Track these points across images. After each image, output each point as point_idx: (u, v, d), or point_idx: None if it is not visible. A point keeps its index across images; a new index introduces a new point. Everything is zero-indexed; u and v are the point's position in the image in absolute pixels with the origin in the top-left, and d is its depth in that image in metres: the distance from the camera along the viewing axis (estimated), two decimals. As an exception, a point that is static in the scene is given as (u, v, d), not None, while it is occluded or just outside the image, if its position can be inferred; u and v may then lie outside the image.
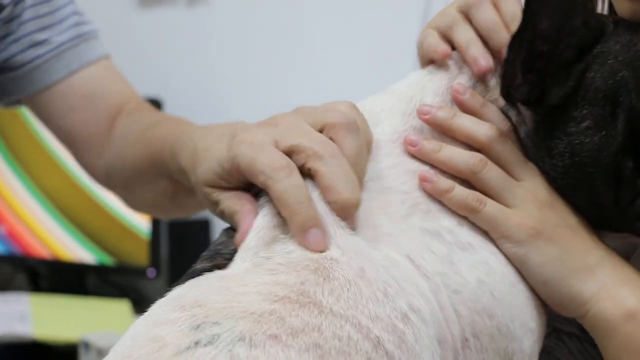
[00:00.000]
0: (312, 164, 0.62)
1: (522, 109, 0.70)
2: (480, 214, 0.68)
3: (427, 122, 0.69)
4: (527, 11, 0.66)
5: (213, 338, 0.56)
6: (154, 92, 1.94)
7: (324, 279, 0.61)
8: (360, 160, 0.64)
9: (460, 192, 0.68)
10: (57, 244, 1.99)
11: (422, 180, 0.68)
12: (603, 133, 0.66)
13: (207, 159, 0.68)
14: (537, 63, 0.67)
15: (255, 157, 0.62)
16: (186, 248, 1.85)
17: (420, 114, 0.69)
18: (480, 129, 0.69)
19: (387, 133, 0.70)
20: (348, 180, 0.62)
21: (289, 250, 0.63)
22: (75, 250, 1.97)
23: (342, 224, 0.63)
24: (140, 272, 1.93)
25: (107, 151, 1.02)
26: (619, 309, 0.67)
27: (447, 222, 0.67)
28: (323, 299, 0.59)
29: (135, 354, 0.56)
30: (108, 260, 1.94)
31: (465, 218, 0.68)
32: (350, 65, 1.86)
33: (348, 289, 0.61)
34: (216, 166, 0.65)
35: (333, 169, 0.62)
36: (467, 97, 0.70)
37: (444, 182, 0.68)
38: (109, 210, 1.95)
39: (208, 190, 0.67)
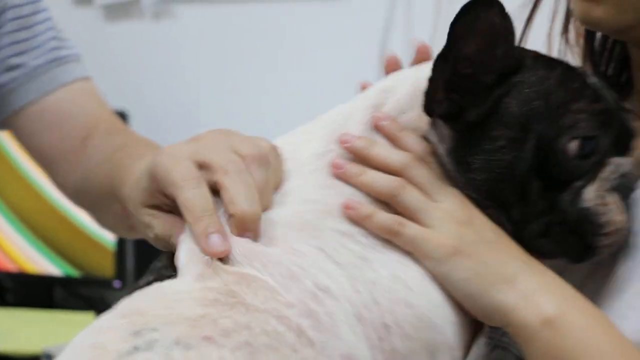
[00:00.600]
0: (218, 178, 0.65)
1: (443, 128, 0.73)
2: (402, 237, 0.70)
3: (347, 150, 0.71)
4: (452, 35, 0.69)
5: (151, 343, 0.57)
6: (119, 105, 1.91)
7: (241, 278, 0.63)
8: (265, 191, 0.67)
9: (382, 216, 0.70)
10: (23, 257, 1.98)
11: (345, 208, 0.70)
12: (514, 154, 0.70)
13: (132, 173, 0.71)
14: (460, 83, 0.70)
15: (170, 168, 0.66)
16: (152, 259, 1.81)
17: (342, 142, 0.72)
18: (395, 156, 0.72)
19: (310, 156, 0.73)
20: (248, 194, 0.64)
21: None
22: (41, 263, 1.97)
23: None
24: (106, 284, 1.92)
25: (77, 170, 1.04)
26: (538, 316, 0.68)
27: (354, 227, 0.70)
28: (246, 297, 0.61)
29: None
30: (74, 272, 1.94)
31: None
32: (317, 81, 1.87)
33: (261, 283, 0.62)
34: (139, 179, 0.68)
35: (236, 183, 0.64)
36: (386, 123, 0.73)
37: (366, 208, 0.70)
38: (74, 223, 1.94)
39: (142, 211, 0.69)
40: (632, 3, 0.74)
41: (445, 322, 0.70)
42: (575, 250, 0.73)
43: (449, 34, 0.69)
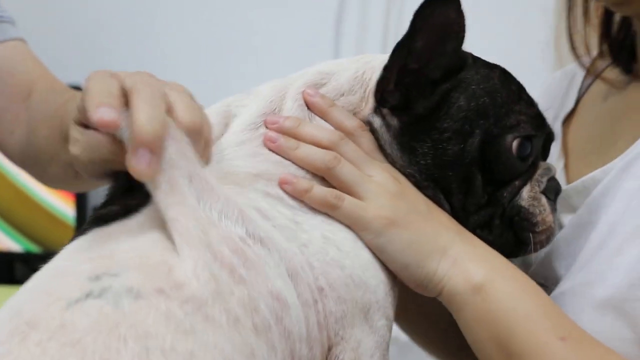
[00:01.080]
0: (131, 97, 0.60)
1: (389, 117, 0.75)
2: (339, 210, 0.71)
3: (276, 130, 0.73)
4: (411, 25, 0.71)
5: (104, 290, 0.57)
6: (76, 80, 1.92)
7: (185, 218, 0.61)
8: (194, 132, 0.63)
9: (319, 190, 0.71)
10: None
11: (282, 183, 0.71)
12: (460, 146, 0.73)
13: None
14: (407, 78, 0.73)
15: (92, 82, 0.62)
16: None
17: (269, 124, 0.73)
18: (324, 134, 0.73)
19: (241, 127, 0.73)
20: (155, 113, 0.59)
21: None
22: (1, 239, 1.97)
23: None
24: (66, 258, 1.92)
25: (20, 128, 1.02)
26: (468, 283, 0.70)
27: (270, 158, 0.72)
28: (183, 249, 0.60)
29: (27, 307, 0.57)
30: (34, 248, 1.94)
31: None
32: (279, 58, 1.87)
33: (194, 222, 0.61)
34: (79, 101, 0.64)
35: (145, 103, 0.60)
36: (317, 99, 0.74)
37: (303, 183, 0.71)
38: (33, 198, 1.94)
39: (72, 127, 0.65)
40: None
41: (377, 282, 0.71)
42: (510, 245, 0.77)
43: (410, 25, 0.71)
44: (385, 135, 0.75)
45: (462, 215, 0.75)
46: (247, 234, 0.64)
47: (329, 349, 0.69)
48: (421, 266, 0.71)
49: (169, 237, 0.61)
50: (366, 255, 0.71)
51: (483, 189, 0.75)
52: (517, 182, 0.75)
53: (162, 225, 0.62)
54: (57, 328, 0.54)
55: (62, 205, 1.90)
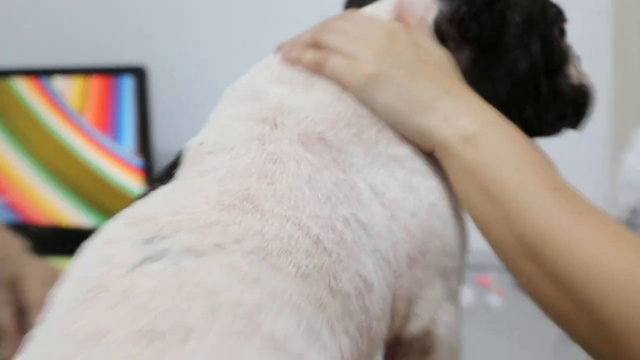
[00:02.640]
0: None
1: (459, 53, 0.77)
2: (327, 67, 0.73)
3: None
4: None
5: (162, 252, 0.58)
6: (138, 61, 1.95)
7: (268, 184, 0.64)
8: None
9: (309, 54, 0.74)
10: (58, 210, 2.01)
11: (280, 52, 0.76)
12: (527, 58, 0.76)
13: None
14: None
15: None
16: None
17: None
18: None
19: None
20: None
21: (236, 157, 0.66)
22: (75, 216, 1.99)
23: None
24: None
25: None
26: (458, 134, 0.70)
27: (405, 150, 0.72)
28: (266, 203, 0.62)
29: (89, 275, 0.58)
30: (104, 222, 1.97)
31: (417, 148, 0.72)
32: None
33: (290, 192, 0.64)
34: None
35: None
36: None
37: (295, 50, 0.75)
38: (102, 174, 1.95)
39: None
40: None
41: (462, 251, 0.74)
42: (578, 120, 0.83)
43: None
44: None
45: (535, 121, 0.78)
46: (353, 216, 0.66)
47: (408, 306, 0.71)
48: (410, 121, 0.72)
49: (212, 202, 0.62)
50: (459, 225, 0.73)
51: (548, 88, 0.78)
52: (565, 67, 0.80)
53: (196, 192, 0.63)
54: (124, 293, 0.55)
55: (130, 180, 1.93)
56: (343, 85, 0.73)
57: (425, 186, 0.71)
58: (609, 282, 0.63)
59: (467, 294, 1.40)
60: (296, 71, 0.74)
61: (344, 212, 0.65)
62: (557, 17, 0.80)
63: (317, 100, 0.72)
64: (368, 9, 0.80)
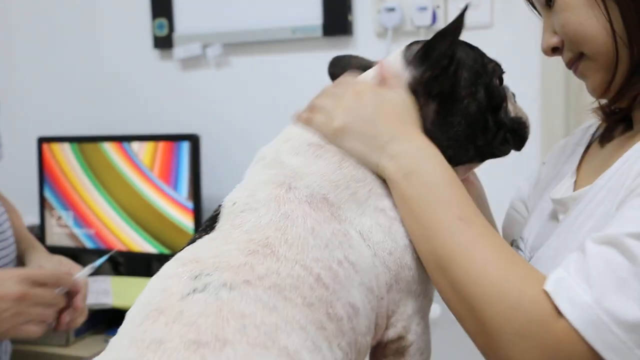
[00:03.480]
0: None
1: (427, 107, 0.75)
2: (312, 123, 0.73)
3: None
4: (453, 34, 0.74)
5: (205, 286, 0.58)
6: (194, 130, 1.96)
7: (282, 234, 0.63)
8: None
9: (304, 114, 0.75)
10: (130, 240, 1.99)
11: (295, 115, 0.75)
12: (476, 103, 0.75)
13: None
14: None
15: None
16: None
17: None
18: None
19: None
20: None
21: (259, 216, 0.65)
22: (142, 244, 1.97)
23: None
24: (188, 258, 1.92)
25: None
26: (400, 172, 0.69)
27: (387, 202, 0.70)
28: (280, 249, 0.62)
29: (152, 300, 0.60)
30: (165, 250, 1.94)
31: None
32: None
33: (298, 241, 0.63)
34: None
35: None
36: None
37: (301, 112, 0.75)
38: (164, 213, 1.94)
39: None
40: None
41: (426, 276, 0.70)
42: (518, 143, 0.79)
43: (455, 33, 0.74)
44: (427, 124, 0.74)
45: (487, 147, 0.76)
46: (345, 258, 0.64)
47: (387, 320, 0.69)
48: (368, 160, 0.71)
49: (241, 248, 0.62)
50: (419, 261, 0.69)
51: (493, 122, 0.77)
52: (504, 104, 0.78)
53: (230, 241, 0.63)
54: (177, 314, 0.56)
55: (184, 218, 1.91)
56: (322, 134, 0.72)
57: (401, 231, 0.69)
58: (489, 289, 0.62)
59: (436, 309, 1.37)
60: (307, 144, 0.71)
61: (338, 255, 0.64)
62: (495, 69, 0.77)
63: (323, 169, 0.69)
64: (362, 74, 0.78)
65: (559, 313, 0.59)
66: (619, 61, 0.71)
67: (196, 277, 0.59)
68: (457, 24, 0.73)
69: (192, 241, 0.66)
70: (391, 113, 0.71)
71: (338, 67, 0.83)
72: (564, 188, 0.81)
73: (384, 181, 0.71)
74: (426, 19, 1.77)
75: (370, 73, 0.76)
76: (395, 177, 0.69)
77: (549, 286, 0.61)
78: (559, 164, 0.88)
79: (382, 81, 0.74)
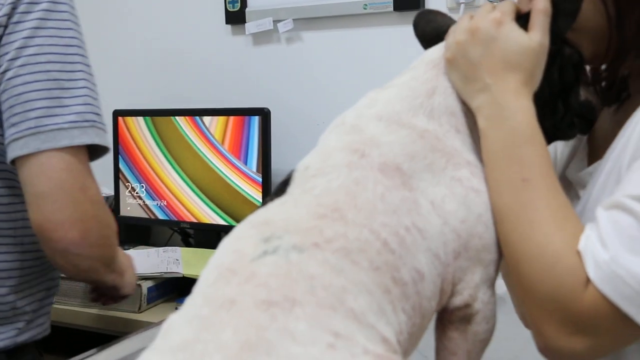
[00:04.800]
0: None
1: None
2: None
3: None
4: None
5: (276, 248, 0.59)
6: (264, 105, 1.97)
7: (351, 199, 0.63)
8: None
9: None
10: (199, 212, 2.02)
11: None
12: (548, 85, 0.74)
13: None
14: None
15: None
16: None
17: None
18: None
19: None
20: None
21: (330, 180, 0.65)
22: (211, 216, 2.00)
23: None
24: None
25: None
26: (485, 121, 0.70)
27: (465, 172, 0.70)
28: (349, 214, 0.62)
29: (225, 261, 0.60)
30: (233, 222, 1.96)
31: (476, 168, 0.71)
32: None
33: (367, 206, 0.63)
34: None
35: None
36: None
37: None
38: (233, 186, 1.97)
39: None
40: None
41: (497, 249, 0.70)
42: (586, 127, 0.78)
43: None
44: None
45: (553, 129, 0.76)
46: (413, 224, 0.64)
47: (453, 287, 0.69)
48: (465, 99, 0.72)
49: (311, 212, 0.62)
50: (493, 230, 0.70)
51: (563, 108, 0.76)
52: (575, 89, 0.76)
53: (300, 205, 0.63)
54: (249, 275, 0.57)
55: (253, 191, 1.93)
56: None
57: (476, 201, 0.69)
58: (532, 250, 0.66)
59: (502, 286, 1.35)
60: (394, 111, 0.71)
61: (406, 221, 0.64)
62: (572, 55, 0.76)
63: (403, 138, 0.69)
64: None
65: (587, 281, 0.63)
66: (611, 37, 0.72)
67: (267, 239, 0.60)
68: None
69: (264, 204, 0.67)
70: (499, 58, 0.70)
71: (423, 21, 0.83)
72: (578, 164, 0.83)
73: (465, 149, 0.71)
74: (502, -8, 1.73)
75: (507, 5, 0.74)
76: (482, 126, 0.71)
77: (580, 245, 0.64)
78: (572, 139, 0.87)
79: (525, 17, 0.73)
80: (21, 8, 0.95)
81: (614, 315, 0.62)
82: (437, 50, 0.77)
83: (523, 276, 0.66)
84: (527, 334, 0.73)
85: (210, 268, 0.61)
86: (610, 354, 0.67)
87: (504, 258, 0.71)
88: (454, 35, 0.73)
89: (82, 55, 1.04)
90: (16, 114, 0.95)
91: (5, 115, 0.96)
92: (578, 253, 0.64)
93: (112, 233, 1.07)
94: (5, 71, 0.95)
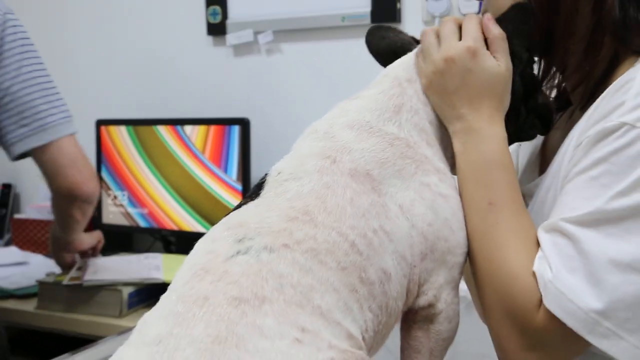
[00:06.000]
0: None
1: None
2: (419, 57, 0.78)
3: None
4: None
5: (248, 249, 0.60)
6: (243, 114, 1.99)
7: (321, 203, 0.64)
8: None
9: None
10: (180, 219, 2.03)
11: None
12: (512, 91, 0.77)
13: None
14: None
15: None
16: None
17: None
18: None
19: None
20: None
21: (301, 185, 0.66)
22: (192, 223, 2.01)
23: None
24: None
25: None
26: (460, 145, 0.74)
27: (434, 178, 0.71)
28: (318, 217, 0.63)
29: (199, 261, 0.62)
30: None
31: (444, 175, 0.72)
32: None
33: (336, 209, 0.64)
34: None
35: None
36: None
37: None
38: (214, 195, 1.97)
39: None
40: None
41: (462, 252, 0.72)
42: (545, 127, 0.81)
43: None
44: None
45: (516, 132, 0.79)
46: (380, 227, 0.66)
47: (419, 287, 0.71)
48: (443, 120, 0.75)
49: (282, 215, 0.63)
50: (463, 234, 0.72)
51: (525, 110, 0.78)
52: (535, 93, 0.79)
53: (273, 208, 0.64)
54: (222, 273, 0.59)
55: (233, 199, 1.94)
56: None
57: (444, 206, 0.71)
58: (493, 270, 0.69)
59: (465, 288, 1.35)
60: (365, 120, 0.72)
61: (374, 224, 0.65)
62: (529, 58, 0.78)
63: (373, 146, 0.70)
64: (468, 28, 0.77)
65: (541, 301, 0.66)
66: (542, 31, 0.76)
67: (240, 240, 0.61)
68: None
69: (239, 206, 0.68)
70: (475, 88, 0.73)
71: (375, 37, 0.84)
72: (529, 176, 0.85)
73: (436, 159, 0.74)
74: (473, 6, 1.78)
75: (475, 31, 0.75)
76: (456, 149, 0.74)
77: (535, 266, 0.68)
78: (531, 145, 0.90)
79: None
80: (7, 38, 1.31)
81: (562, 330, 0.65)
82: (401, 68, 0.78)
83: (485, 295, 0.70)
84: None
85: (185, 268, 0.63)
86: None
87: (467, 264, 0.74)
88: (430, 62, 0.74)
89: (45, 67, 1.38)
90: (26, 117, 1.31)
91: (13, 119, 1.32)
92: (533, 274, 0.67)
93: None
94: (9, 86, 1.30)
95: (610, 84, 0.71)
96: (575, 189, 0.67)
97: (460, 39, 0.74)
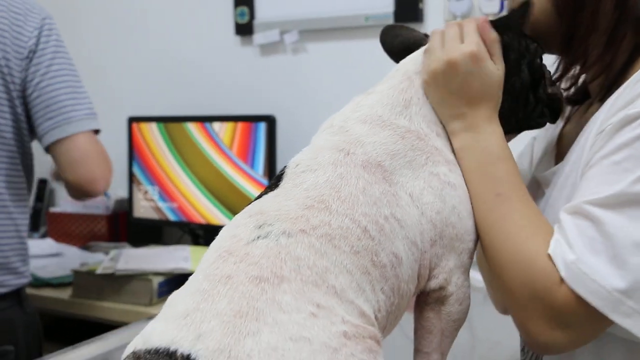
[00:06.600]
0: None
1: None
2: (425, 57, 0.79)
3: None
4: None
5: (268, 233, 0.63)
6: (270, 112, 2.02)
7: (335, 192, 0.67)
8: None
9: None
10: (208, 213, 2.06)
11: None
12: (520, 81, 0.79)
13: None
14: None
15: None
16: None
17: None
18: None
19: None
20: None
21: (317, 176, 0.69)
22: (219, 217, 2.03)
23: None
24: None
25: None
26: (460, 143, 0.76)
27: (444, 168, 0.73)
28: (333, 205, 0.66)
29: (223, 245, 0.65)
30: None
31: (454, 166, 0.75)
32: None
33: (349, 198, 0.67)
34: None
35: None
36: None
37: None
38: (241, 189, 2.00)
39: None
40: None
41: (471, 238, 0.74)
42: (554, 116, 0.82)
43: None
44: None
45: (526, 120, 0.80)
46: (392, 214, 0.68)
47: (430, 271, 0.72)
48: (442, 118, 0.76)
49: (299, 203, 0.66)
50: (471, 222, 0.74)
51: (534, 99, 0.80)
52: (542, 82, 0.81)
53: (291, 197, 0.67)
54: (244, 255, 0.62)
55: (257, 193, 1.98)
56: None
57: (451, 194, 0.72)
58: (510, 257, 0.70)
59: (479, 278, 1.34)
60: (377, 115, 0.74)
61: (385, 212, 0.67)
62: (537, 50, 0.79)
63: (385, 139, 0.72)
64: (468, 32, 0.79)
65: (561, 281, 0.67)
66: (559, 31, 0.78)
67: (260, 226, 0.64)
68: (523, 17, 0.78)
69: (260, 196, 0.71)
70: (476, 90, 0.75)
71: (389, 36, 0.87)
72: (545, 164, 0.86)
73: (446, 150, 0.75)
74: (494, 6, 1.80)
75: (476, 36, 0.77)
76: (457, 147, 0.75)
77: (550, 249, 0.68)
78: (546, 138, 0.92)
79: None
80: (42, 39, 1.39)
81: (585, 308, 0.66)
82: (410, 62, 0.81)
83: (504, 282, 0.71)
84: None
85: (210, 251, 0.66)
86: (589, 342, 0.71)
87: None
88: (433, 62, 0.76)
89: (75, 68, 1.45)
90: (52, 110, 1.38)
91: (40, 113, 1.39)
92: (549, 256, 0.68)
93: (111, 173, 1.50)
94: (39, 82, 1.38)
95: (630, 75, 0.73)
96: (598, 174, 0.68)
97: (461, 41, 0.78)
